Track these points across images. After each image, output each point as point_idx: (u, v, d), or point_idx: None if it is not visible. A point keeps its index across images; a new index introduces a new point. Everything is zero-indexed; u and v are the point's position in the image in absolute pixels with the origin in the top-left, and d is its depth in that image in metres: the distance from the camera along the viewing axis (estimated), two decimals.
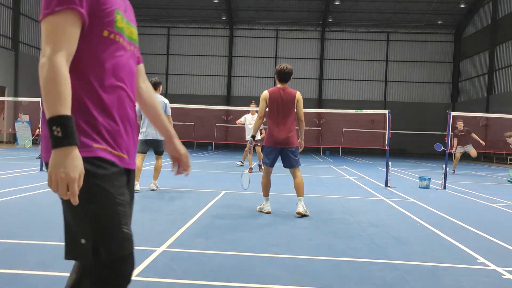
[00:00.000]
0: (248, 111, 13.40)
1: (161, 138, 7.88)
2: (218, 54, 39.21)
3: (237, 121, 13.79)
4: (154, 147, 8.29)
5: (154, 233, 4.84)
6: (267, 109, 6.34)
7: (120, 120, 1.79)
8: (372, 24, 37.77)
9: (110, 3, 1.74)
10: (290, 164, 6.26)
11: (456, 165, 15.66)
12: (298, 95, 6.25)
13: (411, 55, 38.34)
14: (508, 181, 13.46)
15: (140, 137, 8.15)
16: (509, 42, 29.67)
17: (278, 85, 6.30)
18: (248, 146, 6.56)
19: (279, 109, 6.16)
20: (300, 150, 6.38)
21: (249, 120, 13.22)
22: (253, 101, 13.38)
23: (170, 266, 3.70)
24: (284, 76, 6.23)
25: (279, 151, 6.23)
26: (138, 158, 8.04)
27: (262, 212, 6.37)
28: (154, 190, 8.27)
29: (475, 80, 34.62)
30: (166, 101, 8.35)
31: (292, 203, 7.07)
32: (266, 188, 6.41)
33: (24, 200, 6.67)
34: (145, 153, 8.25)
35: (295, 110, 6.24)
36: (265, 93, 6.27)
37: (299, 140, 6.37)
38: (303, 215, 6.14)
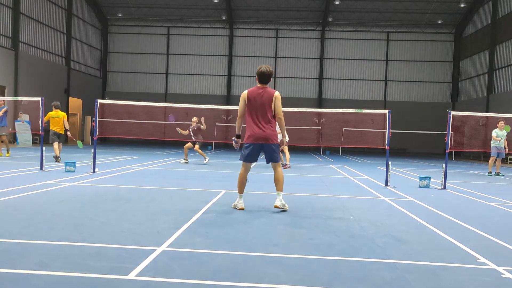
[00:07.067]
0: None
1: None
2: (218, 53, 39.20)
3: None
4: None
5: (154, 233, 4.84)
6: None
7: None
8: (372, 23, 37.77)
9: None
10: (273, 159, 6.55)
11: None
12: (277, 94, 6.50)
13: (411, 54, 38.34)
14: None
15: None
16: (509, 42, 29.66)
17: (258, 85, 6.55)
18: (234, 145, 6.75)
19: (258, 108, 6.41)
20: (281, 146, 6.66)
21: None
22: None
23: (170, 265, 3.70)
24: (264, 78, 6.51)
25: (259, 147, 6.48)
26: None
27: (236, 208, 6.46)
28: None
29: (475, 79, 34.61)
30: None
31: (292, 202, 7.07)
32: (242, 184, 6.58)
33: (24, 200, 6.67)
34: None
35: (273, 109, 6.48)
36: (244, 93, 6.56)
37: (282, 138, 6.74)
38: (282, 210, 6.46)
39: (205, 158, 15.60)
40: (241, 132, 6.76)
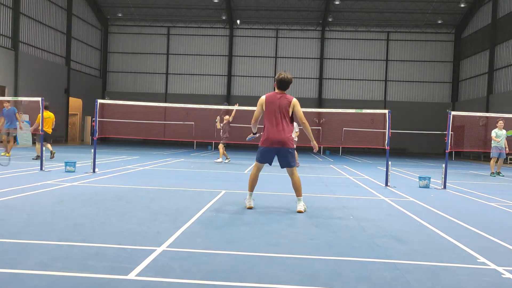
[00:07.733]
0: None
1: None
2: (218, 53, 39.19)
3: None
4: None
5: (154, 233, 4.84)
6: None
7: None
8: (372, 23, 37.77)
9: None
10: (288, 163, 6.60)
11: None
12: (295, 100, 6.58)
13: (411, 54, 38.34)
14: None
15: None
16: (509, 42, 29.66)
17: (276, 91, 6.62)
18: (252, 138, 7.03)
19: (276, 113, 6.47)
20: (315, 150, 6.82)
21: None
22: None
23: (170, 265, 3.70)
24: (283, 85, 6.57)
25: (275, 152, 6.55)
26: None
27: (247, 207, 6.57)
28: None
29: (475, 79, 34.61)
30: None
31: (293, 202, 7.07)
32: (253, 182, 6.68)
33: (24, 200, 6.67)
34: None
35: (292, 115, 6.57)
36: (262, 98, 6.62)
37: (313, 142, 6.75)
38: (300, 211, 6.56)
39: (219, 158, 16.68)
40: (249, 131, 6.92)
